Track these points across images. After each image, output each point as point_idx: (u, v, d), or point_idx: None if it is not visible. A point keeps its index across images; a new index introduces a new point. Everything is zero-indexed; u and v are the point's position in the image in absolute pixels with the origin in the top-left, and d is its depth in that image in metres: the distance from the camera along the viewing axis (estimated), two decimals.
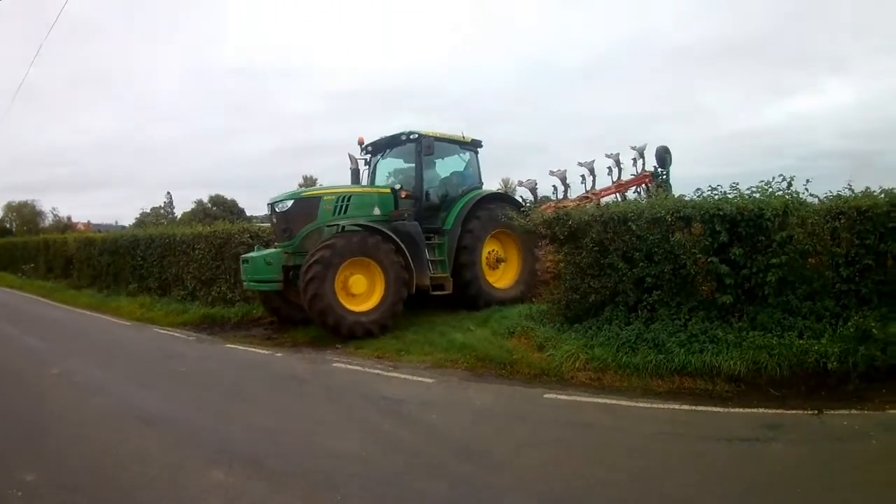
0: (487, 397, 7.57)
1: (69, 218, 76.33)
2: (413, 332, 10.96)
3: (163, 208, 76.67)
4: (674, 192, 18.81)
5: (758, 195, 8.09)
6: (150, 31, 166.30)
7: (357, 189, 12.98)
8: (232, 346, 11.54)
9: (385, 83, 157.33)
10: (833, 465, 5.08)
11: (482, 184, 14.12)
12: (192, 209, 67.59)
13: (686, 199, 8.70)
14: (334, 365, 9.55)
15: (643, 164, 19.44)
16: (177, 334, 13.26)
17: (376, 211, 12.46)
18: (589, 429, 6.23)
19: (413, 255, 11.80)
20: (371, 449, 5.80)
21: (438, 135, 13.14)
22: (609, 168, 19.12)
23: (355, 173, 13.88)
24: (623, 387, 7.58)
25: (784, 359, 7.10)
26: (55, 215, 77.95)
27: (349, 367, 9.38)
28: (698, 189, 8.73)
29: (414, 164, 13.26)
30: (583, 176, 18.81)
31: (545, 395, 7.46)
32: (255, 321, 13.72)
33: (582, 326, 8.91)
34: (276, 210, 12.40)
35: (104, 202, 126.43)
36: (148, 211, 72.12)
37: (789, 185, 8.13)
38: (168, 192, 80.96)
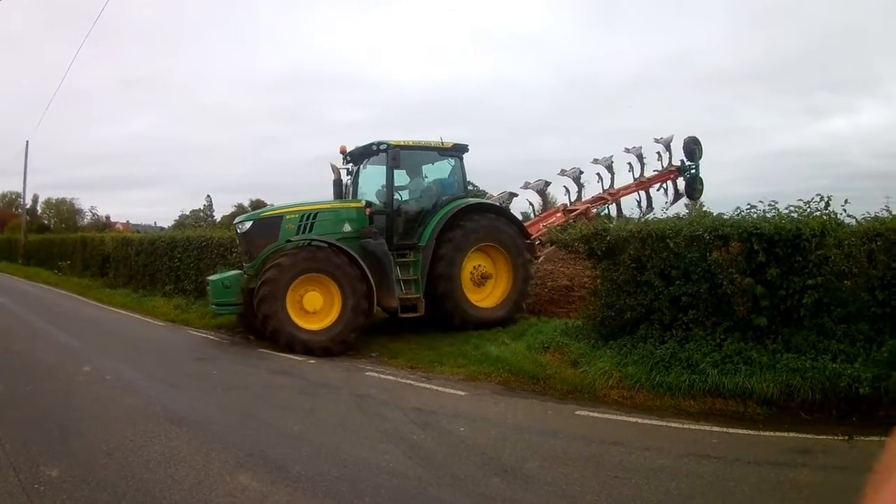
0: (519, 412, 7.79)
1: (108, 217, 78.91)
2: (448, 343, 11.23)
3: (202, 211, 78.09)
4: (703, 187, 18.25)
5: (795, 215, 8.25)
6: (198, 37, 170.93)
7: (323, 205, 12.75)
8: (265, 350, 11.75)
9: (427, 95, 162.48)
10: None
11: (467, 191, 13.66)
12: (232, 213, 68.71)
13: (724, 217, 8.89)
14: (367, 374, 9.78)
15: (670, 158, 18.47)
16: (210, 337, 13.58)
17: (346, 227, 12.27)
18: (619, 447, 6.37)
19: (377, 274, 11.69)
20: (399, 460, 5.99)
21: (412, 143, 12.93)
22: (629, 164, 18.20)
23: (338, 184, 13.60)
24: (655, 406, 7.81)
25: (817, 382, 7.25)
26: (94, 214, 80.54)
27: (382, 376, 9.61)
28: (737, 208, 8.94)
29: (398, 174, 13.03)
30: (598, 174, 17.95)
31: (577, 412, 7.67)
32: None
33: (616, 343, 9.08)
34: (238, 231, 12.53)
35: (144, 203, 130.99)
36: (187, 213, 73.59)
37: (827, 204, 8.27)
38: (208, 196, 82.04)
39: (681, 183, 18.59)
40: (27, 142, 46.88)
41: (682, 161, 18.31)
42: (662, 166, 18.35)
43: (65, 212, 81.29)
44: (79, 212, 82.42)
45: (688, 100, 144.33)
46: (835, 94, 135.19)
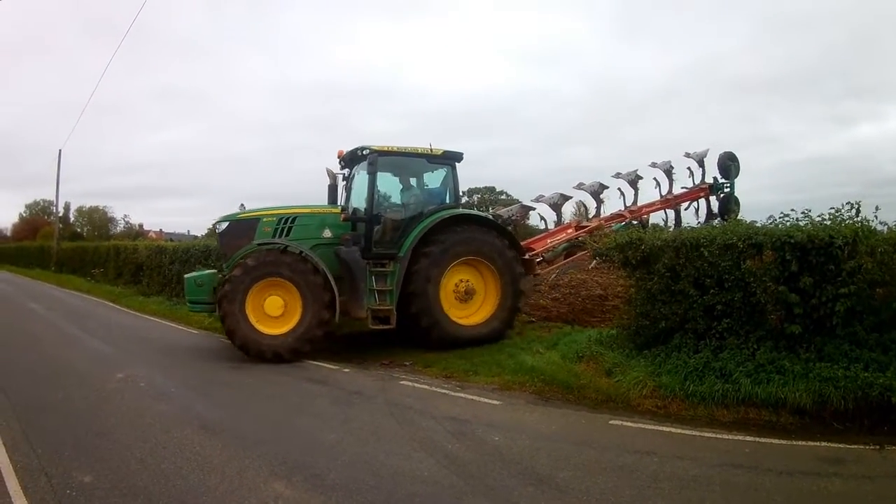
0: (553, 421, 8.00)
1: (141, 225, 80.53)
2: (482, 353, 11.42)
3: None
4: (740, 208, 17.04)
5: (828, 222, 8.38)
6: (233, 49, 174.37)
7: (302, 210, 12.75)
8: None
9: (459, 105, 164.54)
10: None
11: (458, 201, 13.32)
12: None
13: (757, 225, 9.08)
14: (401, 382, 10.03)
15: (703, 175, 17.39)
16: None
17: (327, 233, 12.36)
18: (652, 457, 6.55)
19: (347, 282, 11.74)
20: (433, 469, 6.19)
21: (395, 149, 12.64)
22: (656, 180, 17.25)
23: (332, 189, 13.56)
24: (688, 415, 8.02)
25: (849, 392, 7.43)
26: (127, 222, 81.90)
27: (416, 385, 9.87)
28: (770, 216, 9.11)
29: (388, 181, 13.07)
30: (620, 189, 17.10)
31: (611, 422, 7.91)
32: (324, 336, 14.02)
33: (650, 353, 9.26)
34: (216, 231, 12.80)
35: (177, 211, 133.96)
36: None
37: (857, 211, 8.41)
38: (242, 204, 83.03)
39: (714, 202, 17.50)
40: (59, 150, 48.10)
41: (714, 178, 17.30)
42: (694, 183, 17.44)
43: (97, 220, 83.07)
44: (111, 220, 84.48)
45: (714, 109, 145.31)
46: (861, 102, 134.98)
